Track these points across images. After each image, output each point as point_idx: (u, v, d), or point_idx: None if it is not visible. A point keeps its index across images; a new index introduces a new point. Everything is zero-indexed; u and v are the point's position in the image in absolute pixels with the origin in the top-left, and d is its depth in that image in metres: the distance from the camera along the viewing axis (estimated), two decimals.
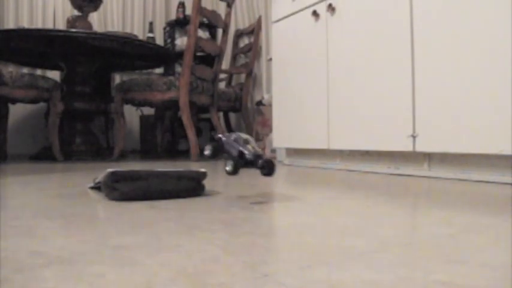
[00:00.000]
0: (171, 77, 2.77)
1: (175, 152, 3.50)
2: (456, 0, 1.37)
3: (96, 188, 1.14)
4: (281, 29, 2.28)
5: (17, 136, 3.56)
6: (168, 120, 3.36)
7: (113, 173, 0.97)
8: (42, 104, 3.25)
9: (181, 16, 3.83)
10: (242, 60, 3.78)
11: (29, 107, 3.53)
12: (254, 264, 0.47)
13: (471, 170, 1.40)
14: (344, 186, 1.26)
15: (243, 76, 3.57)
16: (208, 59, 3.43)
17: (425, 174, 1.54)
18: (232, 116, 3.89)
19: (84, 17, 2.83)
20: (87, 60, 2.86)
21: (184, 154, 3.36)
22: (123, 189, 0.96)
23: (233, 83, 3.85)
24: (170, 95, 2.66)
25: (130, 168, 1.00)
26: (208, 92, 2.86)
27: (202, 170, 1.07)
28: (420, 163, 1.57)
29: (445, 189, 1.17)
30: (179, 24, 3.84)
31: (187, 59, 2.62)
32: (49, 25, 3.67)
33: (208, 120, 3.72)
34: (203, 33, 3.69)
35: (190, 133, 2.66)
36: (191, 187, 1.03)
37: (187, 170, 1.06)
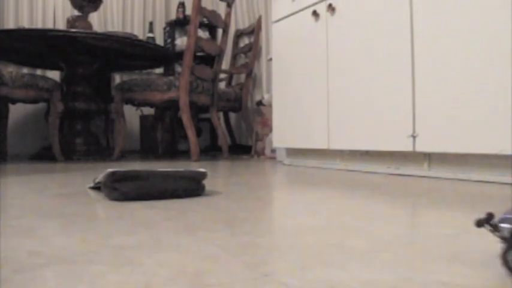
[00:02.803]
0: (171, 77, 2.77)
1: (175, 152, 3.50)
2: (456, 0, 1.37)
3: (96, 188, 1.14)
4: (281, 29, 2.28)
5: (17, 136, 3.56)
6: (168, 120, 3.36)
7: (113, 173, 0.97)
8: (42, 104, 3.25)
9: (181, 16, 3.83)
10: (242, 60, 3.78)
11: (29, 107, 3.53)
12: (254, 264, 0.47)
13: (471, 170, 1.40)
14: (344, 186, 1.26)
15: (243, 76, 3.57)
16: (208, 59, 3.43)
17: (425, 174, 1.53)
18: (232, 116, 3.89)
19: (84, 17, 2.83)
20: (87, 60, 2.86)
21: (184, 154, 3.36)
22: (123, 189, 0.96)
23: (233, 83, 3.84)
24: (170, 95, 2.66)
25: (130, 168, 1.00)
26: (208, 92, 2.86)
27: (202, 170, 1.07)
28: (420, 163, 1.57)
29: (445, 189, 1.17)
30: (179, 24, 3.85)
31: (187, 59, 2.62)
32: (49, 25, 3.67)
33: (208, 120, 3.72)
34: (203, 33, 3.69)
35: (190, 133, 2.66)
36: (191, 187, 1.03)
37: (187, 170, 1.06)
